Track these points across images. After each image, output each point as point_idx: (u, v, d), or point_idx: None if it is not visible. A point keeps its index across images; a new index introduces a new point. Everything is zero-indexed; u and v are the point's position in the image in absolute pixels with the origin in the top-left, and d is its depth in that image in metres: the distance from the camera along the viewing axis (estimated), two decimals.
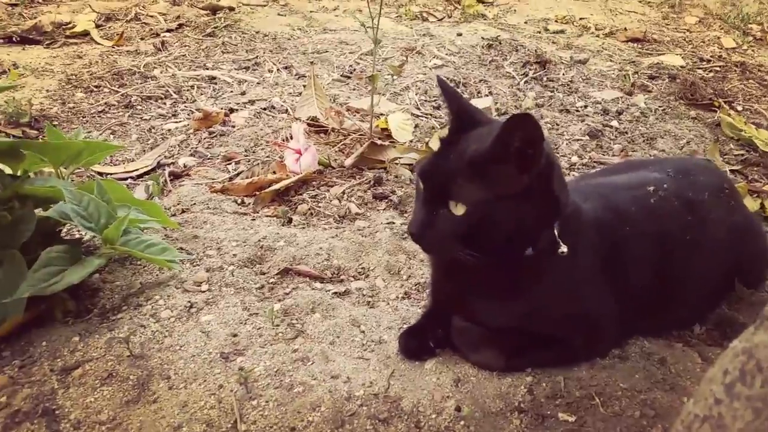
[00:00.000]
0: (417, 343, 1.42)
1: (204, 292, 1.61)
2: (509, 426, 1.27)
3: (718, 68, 3.67)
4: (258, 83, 3.15)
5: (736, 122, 2.94)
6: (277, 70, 3.30)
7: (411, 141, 2.66)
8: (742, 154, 2.77)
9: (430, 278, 1.54)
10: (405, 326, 1.49)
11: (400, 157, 2.41)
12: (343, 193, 2.19)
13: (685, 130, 2.93)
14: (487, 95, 3.14)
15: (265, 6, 4.32)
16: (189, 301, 1.56)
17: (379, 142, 2.43)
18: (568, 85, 3.33)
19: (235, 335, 1.46)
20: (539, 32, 4.16)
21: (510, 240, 1.27)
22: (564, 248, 1.32)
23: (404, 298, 1.63)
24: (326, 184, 2.26)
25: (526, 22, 4.35)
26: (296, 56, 3.50)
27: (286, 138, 2.51)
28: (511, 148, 1.20)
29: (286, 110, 2.79)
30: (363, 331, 1.49)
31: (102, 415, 1.28)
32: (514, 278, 1.34)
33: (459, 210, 1.23)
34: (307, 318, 1.52)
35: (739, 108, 3.23)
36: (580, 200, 1.43)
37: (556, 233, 1.32)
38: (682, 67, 3.67)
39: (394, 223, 1.99)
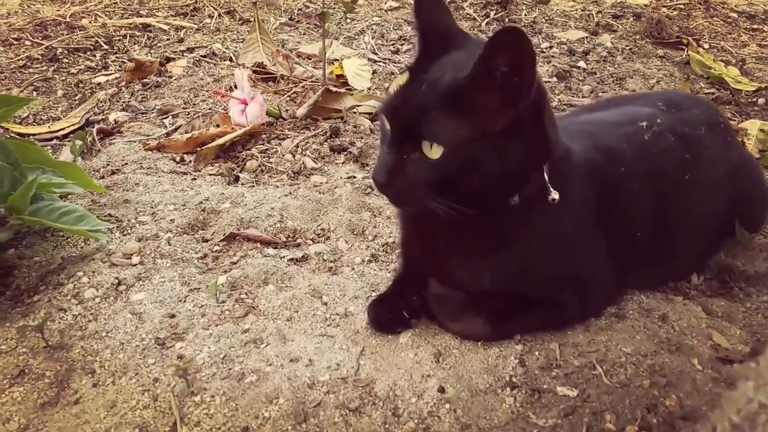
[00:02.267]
0: (389, 314, 1.19)
1: (135, 265, 1.34)
2: (502, 405, 1.06)
3: (682, 6, 3.47)
4: (197, 29, 2.82)
5: (705, 60, 2.76)
6: (219, 15, 2.97)
7: (369, 88, 2.39)
8: (713, 93, 2.59)
9: (399, 237, 1.31)
10: (374, 294, 1.26)
11: (358, 105, 2.14)
12: (297, 146, 1.92)
13: (654, 69, 2.74)
14: None
15: None
16: (117, 278, 1.29)
17: (334, 89, 2.15)
18: (531, 26, 3.08)
19: (172, 316, 1.20)
20: None
21: (494, 187, 1.04)
22: (555, 195, 1.10)
23: (371, 262, 1.39)
24: (277, 137, 1.98)
25: None
26: (239, 1, 3.16)
27: (230, 88, 2.21)
28: (496, 75, 0.96)
29: (230, 57, 2.47)
30: (325, 303, 1.25)
31: (11, 424, 1.03)
32: (498, 232, 1.12)
33: (434, 152, 0.99)
34: (258, 291, 1.27)
35: (706, 46, 3.04)
36: (567, 141, 1.20)
37: (546, 178, 1.10)
38: (645, 5, 3.45)
39: (355, 177, 1.74)
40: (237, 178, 1.71)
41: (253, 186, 1.68)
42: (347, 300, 1.26)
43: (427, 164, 1.00)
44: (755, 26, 3.31)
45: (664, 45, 3.00)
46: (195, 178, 1.73)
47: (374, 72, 2.52)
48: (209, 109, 2.13)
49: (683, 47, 2.95)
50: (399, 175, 1.02)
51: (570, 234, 1.18)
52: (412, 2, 1.11)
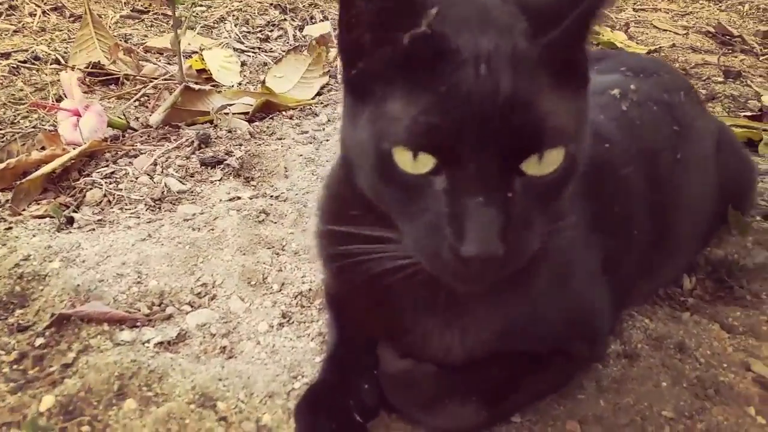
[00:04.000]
0: (332, 423, 0.71)
1: None
2: None
3: None
4: (15, 31, 2.14)
5: None
6: (43, 12, 2.29)
7: (239, 83, 1.88)
8: None
9: (331, 287, 0.84)
10: (300, 387, 0.78)
11: (229, 105, 1.62)
12: (155, 163, 1.38)
13: None
14: (323, 21, 2.41)
15: None
16: None
17: (196, 87, 1.62)
18: None
19: None
20: None
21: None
22: None
23: (282, 326, 0.90)
24: (126, 154, 1.42)
25: None
26: None
27: (59, 98, 1.61)
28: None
29: (56, 60, 1.85)
30: (223, 418, 0.75)
31: None
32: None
33: (549, 162, 0.57)
34: (110, 414, 0.74)
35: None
36: None
37: None
38: None
39: (240, 198, 1.24)
40: (71, 220, 1.15)
41: (94, 230, 1.12)
42: (258, 402, 0.76)
43: (538, 187, 0.57)
44: None
45: None
46: (10, 227, 1.14)
47: (243, 64, 2.00)
48: (32, 128, 1.52)
49: None
50: (512, 230, 0.55)
51: (574, 242, 0.77)
52: None
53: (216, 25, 2.27)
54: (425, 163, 0.56)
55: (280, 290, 0.96)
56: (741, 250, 1.11)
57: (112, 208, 1.25)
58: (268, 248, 1.05)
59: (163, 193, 1.29)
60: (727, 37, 2.63)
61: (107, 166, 1.38)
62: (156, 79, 1.69)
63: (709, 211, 1.07)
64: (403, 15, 0.55)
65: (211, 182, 1.34)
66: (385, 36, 0.56)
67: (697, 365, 0.88)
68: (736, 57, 2.45)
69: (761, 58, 2.44)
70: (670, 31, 2.68)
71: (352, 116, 0.61)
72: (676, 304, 1.03)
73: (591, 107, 0.81)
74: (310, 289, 0.95)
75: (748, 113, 1.90)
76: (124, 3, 2.42)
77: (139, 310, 0.90)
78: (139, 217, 1.17)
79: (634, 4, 2.98)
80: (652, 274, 0.97)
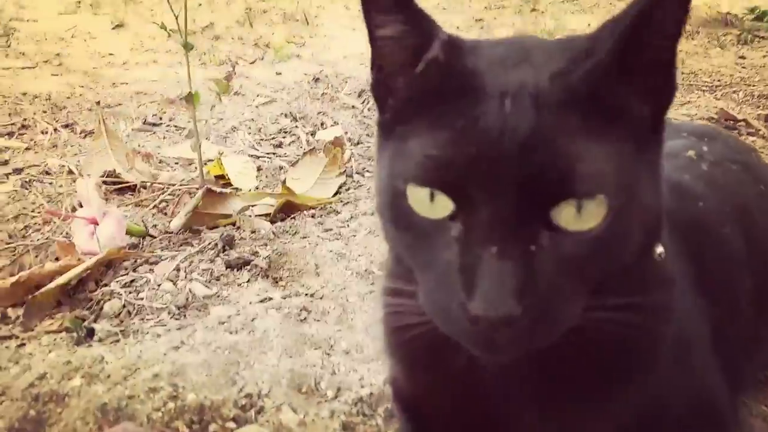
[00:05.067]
0: None
1: None
2: None
3: None
4: (27, 148, 2.12)
5: None
6: (54, 130, 2.28)
7: (257, 188, 1.83)
8: None
9: (401, 381, 0.72)
10: None
11: (252, 205, 1.56)
12: (178, 268, 1.29)
13: None
14: (333, 125, 2.42)
15: (33, 68, 3.23)
16: None
17: (217, 189, 1.56)
18: None
19: None
20: (363, 64, 3.56)
21: (647, 246, 0.56)
22: (660, 247, 0.61)
23: None
24: (147, 261, 1.33)
25: (345, 57, 3.74)
26: (80, 113, 2.50)
27: (73, 208, 1.55)
28: (652, 43, 0.50)
29: (70, 171, 1.80)
30: None
31: None
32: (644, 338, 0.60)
33: (591, 215, 0.49)
34: None
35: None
36: None
37: None
38: None
39: (272, 299, 1.14)
40: (91, 333, 1.04)
41: (118, 341, 1.01)
42: None
43: (576, 244, 0.49)
44: None
45: None
46: (23, 344, 1.03)
47: (259, 168, 1.97)
48: (45, 239, 1.45)
49: None
50: (534, 290, 0.47)
51: (687, 321, 0.67)
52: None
53: (228, 135, 2.26)
54: (443, 206, 0.51)
55: (336, 397, 0.84)
56: None
57: (132, 319, 1.14)
58: (315, 347, 0.94)
59: (188, 299, 1.19)
60: (731, 121, 2.65)
61: (126, 274, 1.29)
62: (174, 185, 1.64)
63: None
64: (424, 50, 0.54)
65: (239, 285, 1.24)
66: (409, 72, 0.54)
67: None
68: (746, 140, 2.45)
69: None
70: (674, 119, 2.71)
71: (378, 160, 0.59)
72: None
73: (674, 169, 0.75)
74: (371, 394, 0.83)
75: None
76: (135, 117, 2.44)
77: (178, 429, 0.77)
78: (166, 326, 1.06)
79: None
80: (758, 350, 0.86)
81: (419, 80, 0.54)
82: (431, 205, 0.51)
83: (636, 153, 0.51)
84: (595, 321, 0.50)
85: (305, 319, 1.02)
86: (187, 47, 1.38)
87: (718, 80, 3.33)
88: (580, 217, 0.48)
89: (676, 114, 2.80)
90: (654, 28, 0.49)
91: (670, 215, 0.70)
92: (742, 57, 3.87)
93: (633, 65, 0.50)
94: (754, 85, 3.22)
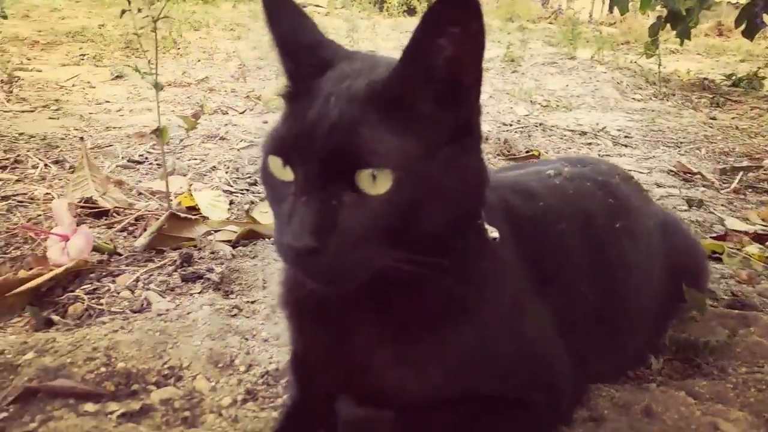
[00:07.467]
0: None
1: None
2: None
3: (521, 129, 3.54)
4: (17, 180, 2.31)
5: None
6: (45, 165, 2.49)
7: (228, 219, 2.01)
8: None
9: (295, 343, 0.87)
10: None
11: (215, 231, 1.73)
12: (137, 280, 1.45)
13: None
14: None
15: (32, 112, 3.48)
16: None
17: (182, 215, 1.74)
18: None
19: None
20: None
21: (455, 221, 0.71)
22: (495, 232, 0.78)
23: (247, 401, 0.93)
24: (111, 273, 1.50)
25: None
26: (71, 152, 2.71)
27: (50, 227, 1.72)
28: (438, 61, 0.66)
29: (52, 198, 1.99)
30: None
31: None
32: (451, 295, 0.75)
33: (381, 184, 0.65)
34: None
35: (554, 157, 3.05)
36: None
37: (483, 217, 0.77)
38: (489, 131, 3.48)
39: (213, 305, 1.29)
40: (49, 322, 1.20)
41: (71, 329, 1.17)
42: None
43: (372, 204, 0.65)
44: (589, 141, 3.41)
45: (516, 160, 2.95)
46: None
47: (231, 203, 2.15)
48: (21, 254, 1.61)
49: (536, 158, 2.92)
50: (331, 231, 0.65)
51: (519, 292, 0.83)
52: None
53: (208, 174, 2.46)
54: (289, 171, 0.69)
55: (247, 371, 0.99)
56: (703, 330, 1.16)
57: (90, 319, 1.29)
58: (237, 335, 1.09)
59: (142, 305, 1.34)
60: (688, 174, 2.84)
61: (91, 283, 1.45)
62: (145, 211, 1.82)
63: (661, 288, 1.12)
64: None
65: (190, 294, 1.40)
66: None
67: (664, 427, 0.89)
68: (697, 190, 2.63)
69: (721, 192, 2.62)
70: (634, 171, 2.90)
71: None
72: (644, 380, 1.06)
73: (529, 181, 0.93)
74: (277, 369, 0.98)
75: (714, 235, 2.02)
76: (122, 156, 2.65)
77: (105, 387, 0.93)
78: (114, 321, 1.22)
79: (599, 151, 3.24)
80: (611, 344, 1.01)
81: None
82: (283, 170, 0.69)
83: (434, 143, 0.68)
84: (399, 270, 0.66)
85: (236, 315, 1.18)
86: (157, 87, 1.59)
87: (684, 137, 3.54)
88: (374, 184, 0.65)
89: (638, 166, 3.00)
90: (433, 57, 0.66)
91: (514, 210, 0.88)
92: (713, 118, 4.11)
93: (424, 82, 0.68)
94: (716, 143, 3.43)
